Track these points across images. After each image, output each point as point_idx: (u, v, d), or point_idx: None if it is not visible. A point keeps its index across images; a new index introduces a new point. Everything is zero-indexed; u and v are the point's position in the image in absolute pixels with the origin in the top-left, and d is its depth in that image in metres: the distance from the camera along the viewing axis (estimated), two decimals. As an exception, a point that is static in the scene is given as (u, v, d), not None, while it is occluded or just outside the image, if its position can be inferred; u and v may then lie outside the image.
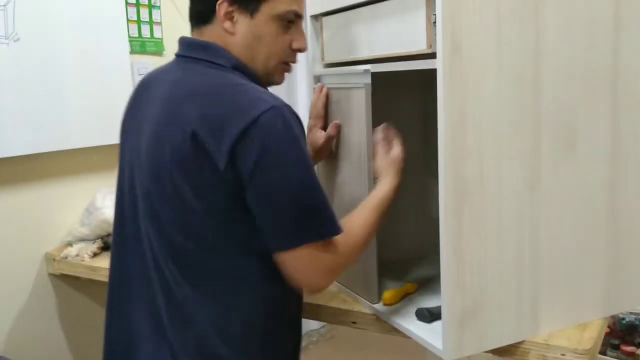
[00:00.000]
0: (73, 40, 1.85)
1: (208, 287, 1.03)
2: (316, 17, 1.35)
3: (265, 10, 1.06)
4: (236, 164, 0.95)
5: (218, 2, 1.05)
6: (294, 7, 1.08)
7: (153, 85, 1.12)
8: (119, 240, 1.16)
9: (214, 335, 1.03)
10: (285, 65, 1.14)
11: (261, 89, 1.03)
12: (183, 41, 1.12)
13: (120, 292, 1.15)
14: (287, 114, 0.97)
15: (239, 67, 1.07)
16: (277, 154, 0.95)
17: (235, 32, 1.07)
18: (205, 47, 1.08)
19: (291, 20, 1.09)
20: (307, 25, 1.36)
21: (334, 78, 1.28)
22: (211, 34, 1.08)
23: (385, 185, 1.14)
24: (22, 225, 1.80)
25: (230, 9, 1.06)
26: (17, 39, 1.70)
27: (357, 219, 1.09)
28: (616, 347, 2.16)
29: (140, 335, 1.09)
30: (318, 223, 0.99)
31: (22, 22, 1.71)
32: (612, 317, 2.05)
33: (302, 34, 1.12)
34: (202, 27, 1.09)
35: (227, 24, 1.06)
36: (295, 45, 1.11)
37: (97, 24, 1.92)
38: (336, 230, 1.00)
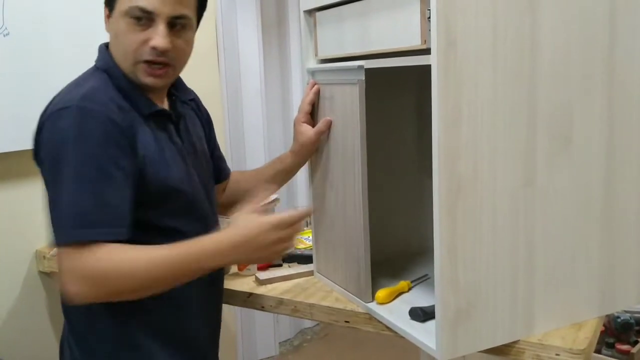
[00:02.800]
0: (64, 35, 1.83)
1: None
2: (310, 12, 1.34)
3: (117, 8, 1.09)
4: (36, 157, 1.07)
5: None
6: (139, 3, 1.05)
7: None
8: None
9: (66, 323, 1.15)
10: (147, 65, 1.09)
11: (89, 87, 1.06)
12: None
13: None
14: (77, 115, 0.99)
15: (106, 68, 1.11)
16: (52, 152, 1.00)
17: (109, 33, 1.13)
18: (99, 48, 1.17)
19: (140, 17, 1.06)
20: (301, 20, 1.35)
21: (328, 74, 1.27)
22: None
23: (216, 241, 1.03)
24: (13, 222, 1.78)
25: (107, 11, 1.13)
26: (7, 34, 1.68)
27: (151, 251, 0.99)
28: (611, 346, 2.16)
29: None
30: (74, 225, 0.96)
31: (12, 17, 1.69)
32: (607, 315, 2.05)
33: (158, 32, 1.07)
34: None
35: (106, 26, 1.14)
36: (150, 43, 1.07)
37: (88, 18, 1.89)
38: (92, 235, 0.96)
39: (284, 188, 1.58)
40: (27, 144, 1.74)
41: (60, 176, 0.98)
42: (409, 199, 1.49)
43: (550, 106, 1.01)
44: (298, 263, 1.53)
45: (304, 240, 1.69)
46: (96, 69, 1.13)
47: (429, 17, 0.92)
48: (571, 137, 1.04)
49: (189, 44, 1.14)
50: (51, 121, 1.02)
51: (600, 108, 1.07)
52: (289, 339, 3.20)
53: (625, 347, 2.13)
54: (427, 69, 0.93)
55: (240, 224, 1.04)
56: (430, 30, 0.92)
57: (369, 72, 1.12)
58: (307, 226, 1.84)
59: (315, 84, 1.30)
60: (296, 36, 3.06)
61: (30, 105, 1.74)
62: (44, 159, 1.03)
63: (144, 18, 1.06)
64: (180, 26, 1.10)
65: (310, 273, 1.44)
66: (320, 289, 1.35)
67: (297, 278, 1.43)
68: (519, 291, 1.04)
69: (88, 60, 1.86)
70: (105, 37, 1.17)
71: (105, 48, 1.16)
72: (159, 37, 1.07)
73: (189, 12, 1.11)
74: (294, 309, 1.30)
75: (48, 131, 1.02)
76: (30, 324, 1.83)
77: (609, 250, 1.12)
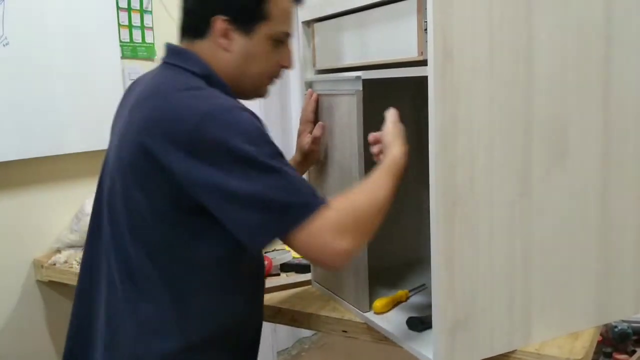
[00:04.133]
0: (63, 45, 1.84)
1: (148, 294, 1.03)
2: (308, 24, 1.35)
3: (261, 31, 1.09)
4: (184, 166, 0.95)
5: (213, 17, 1.07)
6: (287, 28, 1.13)
7: (134, 89, 1.16)
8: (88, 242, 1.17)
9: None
10: (271, 80, 1.19)
11: (218, 94, 1.02)
12: (165, 47, 1.14)
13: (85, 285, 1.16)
14: (237, 114, 0.98)
15: (210, 76, 1.07)
16: (226, 151, 0.94)
17: (230, 49, 1.09)
18: (180, 52, 1.10)
19: (281, 41, 1.13)
20: (299, 31, 1.36)
21: (326, 84, 1.27)
22: (202, 47, 1.10)
23: (393, 152, 1.08)
24: (10, 231, 1.78)
25: (228, 26, 1.08)
26: (7, 44, 1.69)
27: (362, 184, 1.05)
28: (609, 355, 2.16)
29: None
30: (306, 198, 0.96)
31: (12, 27, 1.70)
32: (605, 325, 2.05)
33: (289, 52, 1.17)
34: (194, 40, 1.11)
35: (223, 41, 1.09)
36: (283, 63, 1.16)
37: (88, 28, 1.91)
38: (323, 200, 0.96)
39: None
40: (27, 153, 1.75)
41: (250, 170, 0.93)
42: (407, 208, 1.50)
43: (546, 117, 1.02)
44: (296, 272, 1.53)
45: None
46: (193, 74, 1.06)
47: (426, 29, 0.93)
48: (567, 148, 1.05)
49: None
50: (209, 120, 0.94)
51: (596, 119, 1.07)
52: (286, 349, 3.19)
53: (622, 356, 2.13)
54: (424, 79, 0.94)
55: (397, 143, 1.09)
56: (426, 41, 0.92)
57: (366, 82, 1.13)
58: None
59: (314, 93, 1.30)
60: (295, 47, 3.07)
61: (29, 114, 1.75)
62: (208, 158, 0.94)
63: (282, 41, 1.14)
64: None
65: (308, 282, 1.44)
66: (318, 298, 1.35)
67: (294, 287, 1.43)
68: (516, 301, 1.04)
69: (87, 69, 1.88)
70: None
71: (193, 54, 1.09)
72: (290, 57, 1.18)
73: None
74: (292, 319, 1.30)
75: (207, 132, 0.94)
76: (28, 334, 1.83)
77: (605, 260, 1.13)
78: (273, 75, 1.17)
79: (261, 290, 1.22)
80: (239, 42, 1.09)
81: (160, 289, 1.03)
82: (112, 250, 1.06)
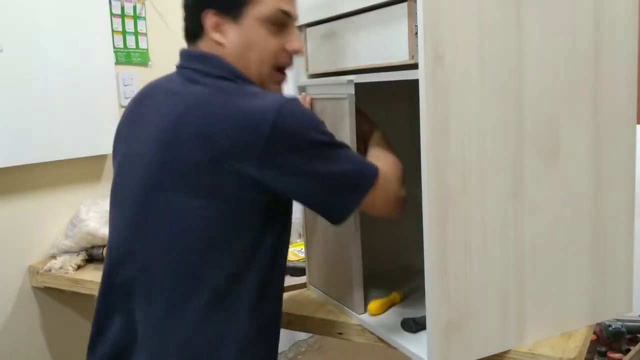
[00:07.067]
0: (57, 51, 1.84)
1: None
2: (300, 28, 1.35)
3: (250, 14, 1.03)
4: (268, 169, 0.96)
5: (203, 13, 1.04)
6: (282, 6, 1.05)
7: (151, 95, 1.10)
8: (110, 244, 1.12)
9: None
10: (280, 73, 1.11)
11: (261, 91, 1.00)
12: (182, 52, 1.10)
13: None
14: (298, 104, 0.99)
15: (240, 75, 1.04)
16: (306, 139, 0.97)
17: (225, 43, 1.05)
18: (203, 57, 1.05)
19: (282, 22, 1.06)
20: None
21: (318, 89, 1.28)
22: (204, 48, 1.07)
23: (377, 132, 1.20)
24: (5, 237, 1.78)
25: (217, 19, 1.04)
26: (0, 50, 1.69)
27: (382, 154, 1.12)
28: (603, 355, 2.17)
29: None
30: (371, 167, 1.04)
31: (5, 33, 1.70)
32: (599, 324, 2.06)
33: (295, 35, 1.09)
34: (195, 43, 1.08)
35: (217, 36, 1.05)
36: (289, 47, 1.08)
37: (82, 35, 1.91)
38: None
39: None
40: (21, 159, 1.75)
41: (329, 152, 0.98)
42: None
43: (537, 119, 1.03)
44: (291, 275, 1.54)
45: (297, 253, 1.69)
46: (223, 78, 1.02)
47: (417, 33, 0.94)
48: (558, 149, 1.06)
49: None
50: (284, 117, 0.94)
51: (586, 120, 1.08)
52: (283, 352, 3.19)
53: (617, 355, 2.13)
54: (417, 82, 0.94)
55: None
56: (417, 45, 0.93)
57: (359, 86, 1.14)
58: (299, 238, 1.84)
59: (307, 96, 1.30)
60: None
61: (24, 121, 1.75)
62: (293, 149, 0.96)
63: (282, 23, 1.06)
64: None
65: (303, 285, 1.45)
66: (314, 301, 1.36)
67: (290, 290, 1.43)
68: (510, 301, 1.05)
69: (81, 75, 1.88)
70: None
71: (218, 56, 1.05)
72: (297, 41, 1.09)
73: None
74: (288, 322, 1.31)
75: (286, 126, 0.94)
76: (23, 340, 1.82)
77: (598, 260, 1.14)
78: (278, 63, 1.09)
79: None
80: (231, 33, 1.04)
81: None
82: (160, 266, 1.00)
